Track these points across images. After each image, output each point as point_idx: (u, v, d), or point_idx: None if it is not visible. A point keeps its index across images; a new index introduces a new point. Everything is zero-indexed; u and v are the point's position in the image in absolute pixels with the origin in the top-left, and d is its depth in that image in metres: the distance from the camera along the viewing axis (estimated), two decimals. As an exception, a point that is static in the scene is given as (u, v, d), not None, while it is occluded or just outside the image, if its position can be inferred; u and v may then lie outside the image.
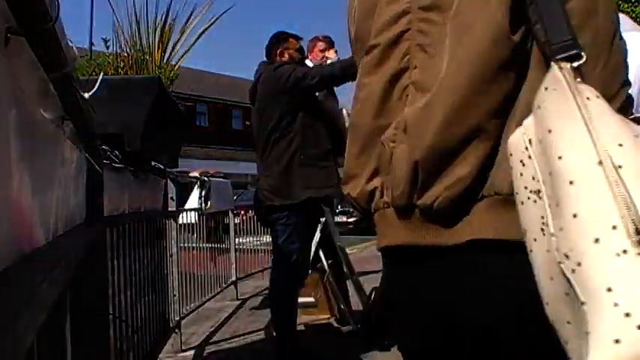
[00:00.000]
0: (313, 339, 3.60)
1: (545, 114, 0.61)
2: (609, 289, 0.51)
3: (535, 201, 0.62)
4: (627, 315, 0.49)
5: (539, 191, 0.62)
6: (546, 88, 0.63)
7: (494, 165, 0.73)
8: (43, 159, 0.98)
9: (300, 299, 3.94)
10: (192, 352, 3.59)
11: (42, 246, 0.93)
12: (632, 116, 0.94)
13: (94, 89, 1.41)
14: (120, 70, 3.41)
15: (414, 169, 0.76)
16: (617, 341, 0.49)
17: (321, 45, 3.64)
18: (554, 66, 0.63)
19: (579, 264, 0.54)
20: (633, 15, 10.43)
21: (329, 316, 4.16)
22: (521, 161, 0.64)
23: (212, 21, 3.78)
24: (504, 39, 0.72)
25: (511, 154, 0.66)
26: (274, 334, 3.42)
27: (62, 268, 0.83)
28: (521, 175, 0.64)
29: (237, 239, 5.63)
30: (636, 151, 0.55)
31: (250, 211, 5.73)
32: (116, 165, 1.96)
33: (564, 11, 0.68)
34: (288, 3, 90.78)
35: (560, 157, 0.57)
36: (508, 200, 0.69)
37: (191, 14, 3.67)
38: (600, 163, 0.55)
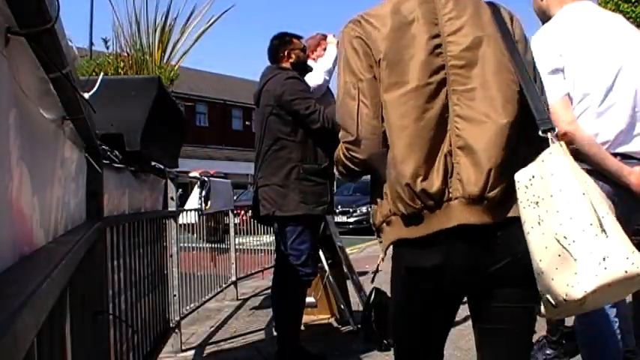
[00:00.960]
0: (313, 339, 3.60)
1: (549, 166, 1.20)
2: (591, 252, 1.11)
3: (534, 207, 1.20)
4: (604, 259, 1.10)
5: (537, 202, 1.19)
6: (550, 153, 1.22)
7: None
8: (43, 159, 0.98)
9: (300, 299, 3.94)
10: (192, 352, 3.59)
11: (42, 246, 0.93)
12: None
13: (94, 89, 1.41)
14: (120, 70, 3.42)
15: (488, 174, 1.23)
16: (604, 267, 1.09)
17: (324, 44, 3.64)
18: (549, 136, 1.25)
19: (574, 241, 1.12)
20: (633, 15, 10.42)
21: (329, 316, 4.16)
22: (525, 186, 1.21)
23: (212, 21, 3.78)
24: (518, 96, 1.29)
25: (517, 181, 1.23)
26: (275, 334, 3.42)
27: (62, 268, 0.83)
28: (525, 192, 1.21)
29: (237, 239, 5.63)
30: (594, 185, 1.20)
31: (250, 211, 5.74)
32: (116, 165, 1.96)
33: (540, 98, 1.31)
34: (289, 3, 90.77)
35: (560, 190, 1.17)
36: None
37: (191, 14, 3.68)
38: (584, 194, 1.15)
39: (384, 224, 1.35)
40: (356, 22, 1.37)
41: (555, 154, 1.21)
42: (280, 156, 3.03)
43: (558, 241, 1.13)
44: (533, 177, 1.21)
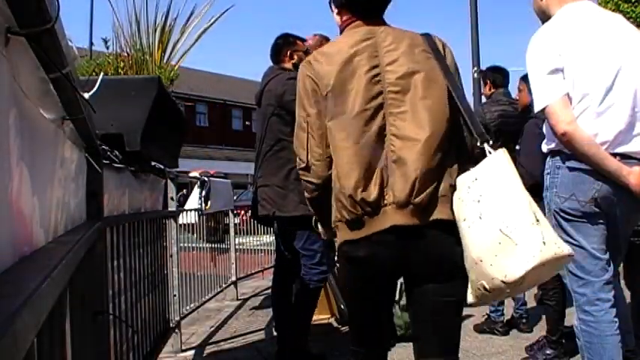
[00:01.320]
0: (313, 339, 3.60)
1: (492, 168, 1.45)
2: (529, 237, 1.35)
3: (475, 205, 1.41)
4: (543, 243, 1.35)
5: (479, 200, 1.41)
6: (492, 158, 1.48)
7: (442, 181, 1.51)
8: (43, 159, 0.98)
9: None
10: (192, 352, 3.59)
11: (42, 246, 0.93)
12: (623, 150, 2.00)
13: (94, 89, 1.41)
14: (120, 70, 3.42)
15: (413, 183, 1.46)
16: (540, 250, 1.34)
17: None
18: (486, 145, 1.51)
19: (515, 229, 1.36)
20: (633, 15, 10.42)
21: (329, 316, 4.16)
22: (468, 186, 1.45)
23: (212, 21, 3.78)
24: (447, 118, 1.53)
25: (460, 183, 1.48)
26: (275, 334, 3.42)
27: (62, 268, 0.83)
28: (467, 192, 1.44)
29: (237, 239, 5.63)
30: (524, 189, 1.42)
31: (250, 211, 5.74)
32: (116, 165, 1.96)
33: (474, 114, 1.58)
34: (289, 3, 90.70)
35: (502, 187, 1.43)
36: (447, 199, 1.50)
37: (191, 14, 3.68)
38: (522, 190, 1.40)
39: (335, 229, 1.62)
40: (308, 62, 1.63)
41: (497, 159, 1.46)
42: (281, 156, 3.03)
43: (501, 230, 1.37)
44: (476, 179, 1.45)
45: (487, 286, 1.39)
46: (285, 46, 3.21)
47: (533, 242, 1.34)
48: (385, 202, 1.49)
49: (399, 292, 3.49)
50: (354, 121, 1.51)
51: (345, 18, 1.69)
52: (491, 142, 1.52)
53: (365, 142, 1.49)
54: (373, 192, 1.48)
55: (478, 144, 1.52)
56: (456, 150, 1.56)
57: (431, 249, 1.50)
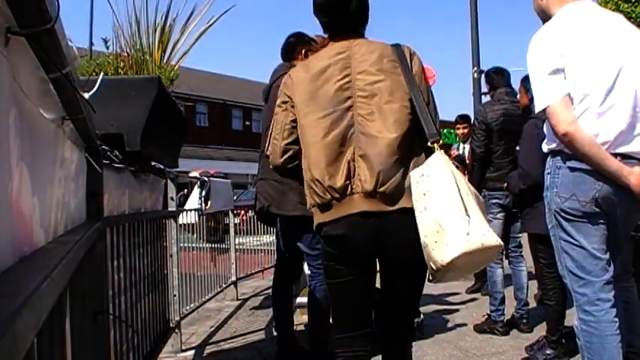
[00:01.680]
0: (313, 339, 3.59)
1: (433, 167, 1.66)
2: (458, 229, 1.58)
3: (422, 197, 1.63)
4: (467, 234, 1.58)
5: (424, 194, 1.63)
6: (434, 158, 1.68)
7: (407, 173, 1.70)
8: (43, 159, 0.98)
9: (300, 299, 3.93)
10: (192, 352, 3.59)
11: (42, 246, 0.93)
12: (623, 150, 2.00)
13: (94, 89, 1.41)
14: (120, 70, 3.41)
15: (378, 175, 1.69)
16: (466, 240, 1.57)
17: None
18: (435, 146, 1.72)
19: (447, 221, 1.58)
20: (633, 15, 10.42)
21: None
22: (417, 181, 1.65)
23: (212, 21, 3.76)
24: (410, 117, 1.75)
25: (411, 177, 1.68)
26: (275, 334, 3.42)
27: (62, 268, 0.83)
28: (416, 187, 1.65)
29: (237, 239, 5.62)
30: (464, 181, 1.67)
31: (250, 211, 5.73)
32: (116, 165, 1.95)
33: (430, 113, 1.77)
34: (289, 3, 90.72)
35: (439, 185, 1.63)
36: (409, 190, 1.67)
37: (191, 14, 3.66)
38: (455, 188, 1.63)
39: (311, 213, 1.85)
40: (289, 74, 1.90)
41: (437, 159, 1.66)
42: None
43: (437, 221, 1.59)
44: (422, 175, 1.65)
45: (433, 267, 1.60)
46: (298, 44, 3.20)
47: (460, 234, 1.56)
48: (353, 190, 1.72)
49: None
50: (323, 120, 1.75)
51: (327, 34, 1.96)
52: (440, 142, 1.74)
53: (331, 138, 1.73)
54: (339, 180, 1.71)
55: (429, 144, 1.72)
56: (422, 144, 1.77)
57: (402, 232, 1.69)
